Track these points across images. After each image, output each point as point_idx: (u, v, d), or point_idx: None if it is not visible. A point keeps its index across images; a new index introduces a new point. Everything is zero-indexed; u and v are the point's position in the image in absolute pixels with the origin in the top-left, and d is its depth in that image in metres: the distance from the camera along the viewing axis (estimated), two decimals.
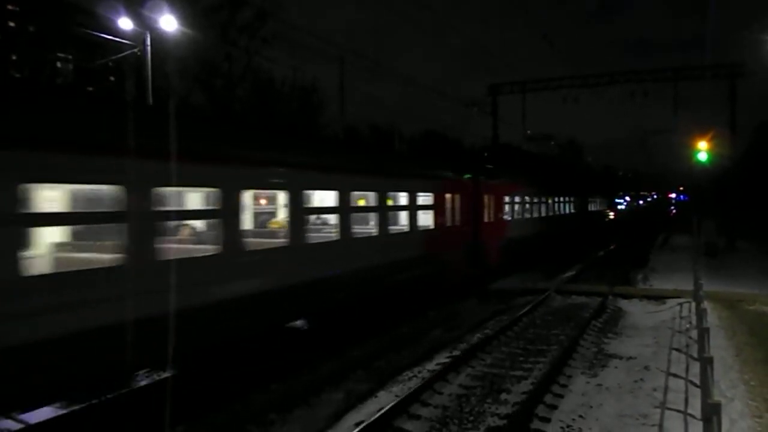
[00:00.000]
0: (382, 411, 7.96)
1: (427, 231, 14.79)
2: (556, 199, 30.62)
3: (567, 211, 33.28)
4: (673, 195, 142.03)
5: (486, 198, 19.43)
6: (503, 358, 11.20)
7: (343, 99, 27.31)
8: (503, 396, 9.11)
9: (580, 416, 8.26)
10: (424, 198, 14.85)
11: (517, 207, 23.65)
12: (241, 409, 8.38)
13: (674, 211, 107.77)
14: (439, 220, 15.46)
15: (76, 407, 7.35)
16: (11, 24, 72.90)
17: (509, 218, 22.61)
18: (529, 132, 43.75)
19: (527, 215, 25.03)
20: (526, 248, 23.74)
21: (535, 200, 26.14)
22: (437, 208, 15.42)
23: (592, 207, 42.26)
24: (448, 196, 16.23)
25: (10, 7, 72.97)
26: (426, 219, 14.87)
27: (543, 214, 27.37)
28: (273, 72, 41.93)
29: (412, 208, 14.18)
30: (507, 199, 22.22)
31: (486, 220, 19.44)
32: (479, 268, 18.53)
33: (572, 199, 34.84)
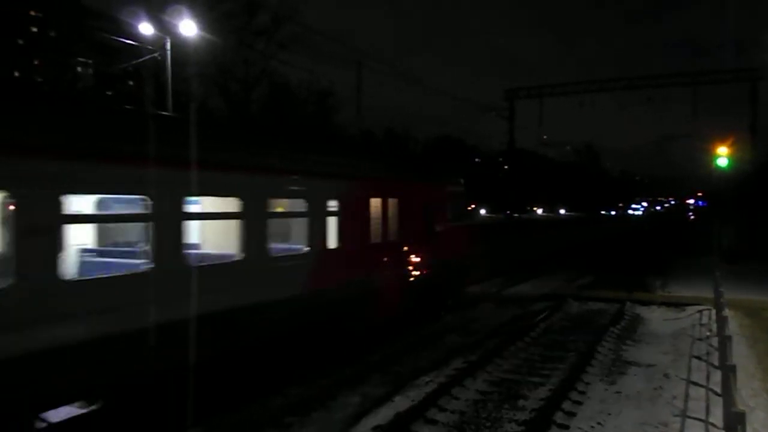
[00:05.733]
0: (400, 415, 7.97)
1: None
2: None
3: None
4: (692, 201, 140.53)
5: None
6: (520, 364, 11.13)
7: (360, 102, 27.36)
8: (520, 402, 9.05)
9: (599, 423, 8.18)
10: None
11: None
12: (258, 411, 8.41)
13: (692, 216, 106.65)
14: None
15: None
16: (34, 29, 74.34)
17: None
18: (545, 137, 43.59)
19: None
20: None
21: None
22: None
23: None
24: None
25: (32, 12, 74.35)
26: None
27: None
28: (289, 75, 42.36)
29: None
30: None
31: None
32: None
33: None
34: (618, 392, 9.47)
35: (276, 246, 8.97)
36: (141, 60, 23.53)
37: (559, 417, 8.33)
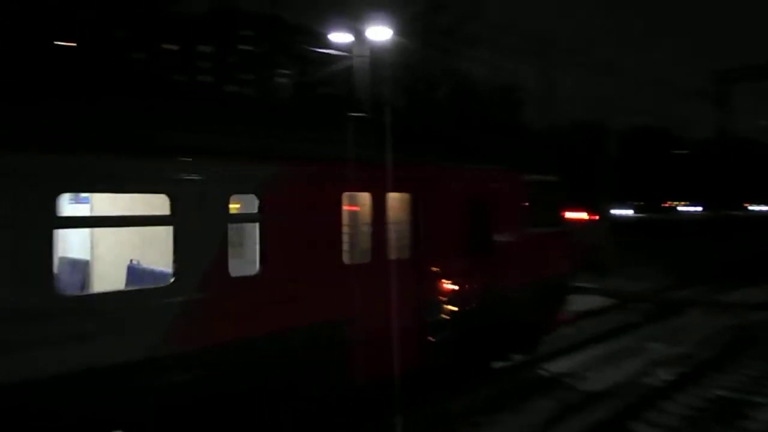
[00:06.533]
0: (601, 423, 7.50)
1: None
2: None
3: None
4: None
5: None
6: (741, 380, 9.76)
7: (551, 96, 26.32)
8: (742, 423, 7.94)
9: None
10: None
11: None
12: (446, 408, 8.41)
13: None
14: None
15: None
16: (247, 48, 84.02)
17: None
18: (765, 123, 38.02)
19: None
20: None
21: None
22: None
23: None
24: None
25: (244, 32, 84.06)
26: None
27: None
28: (472, 72, 42.32)
29: None
30: None
31: None
32: None
33: None
34: None
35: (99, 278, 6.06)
36: (338, 67, 25.17)
37: None
